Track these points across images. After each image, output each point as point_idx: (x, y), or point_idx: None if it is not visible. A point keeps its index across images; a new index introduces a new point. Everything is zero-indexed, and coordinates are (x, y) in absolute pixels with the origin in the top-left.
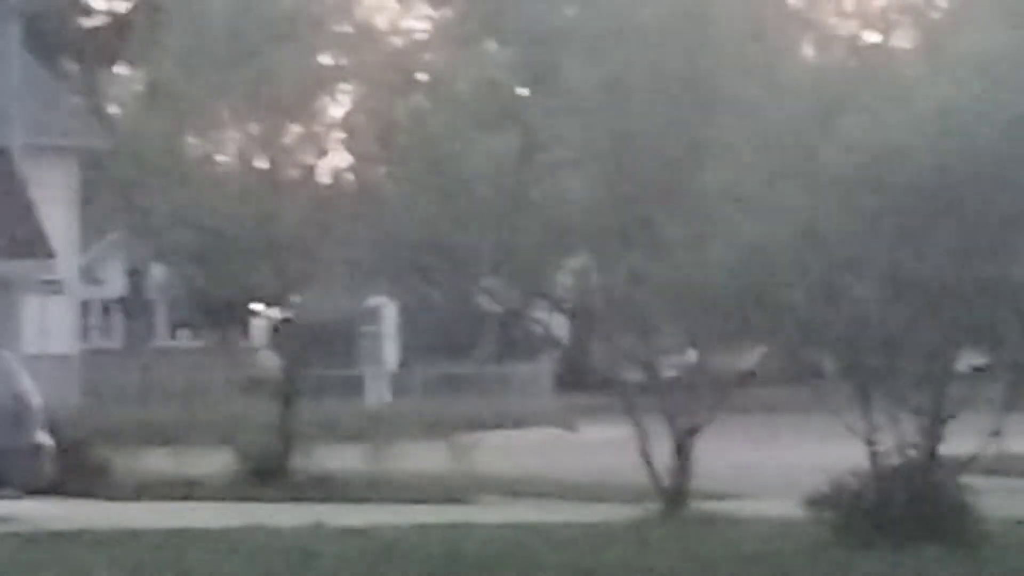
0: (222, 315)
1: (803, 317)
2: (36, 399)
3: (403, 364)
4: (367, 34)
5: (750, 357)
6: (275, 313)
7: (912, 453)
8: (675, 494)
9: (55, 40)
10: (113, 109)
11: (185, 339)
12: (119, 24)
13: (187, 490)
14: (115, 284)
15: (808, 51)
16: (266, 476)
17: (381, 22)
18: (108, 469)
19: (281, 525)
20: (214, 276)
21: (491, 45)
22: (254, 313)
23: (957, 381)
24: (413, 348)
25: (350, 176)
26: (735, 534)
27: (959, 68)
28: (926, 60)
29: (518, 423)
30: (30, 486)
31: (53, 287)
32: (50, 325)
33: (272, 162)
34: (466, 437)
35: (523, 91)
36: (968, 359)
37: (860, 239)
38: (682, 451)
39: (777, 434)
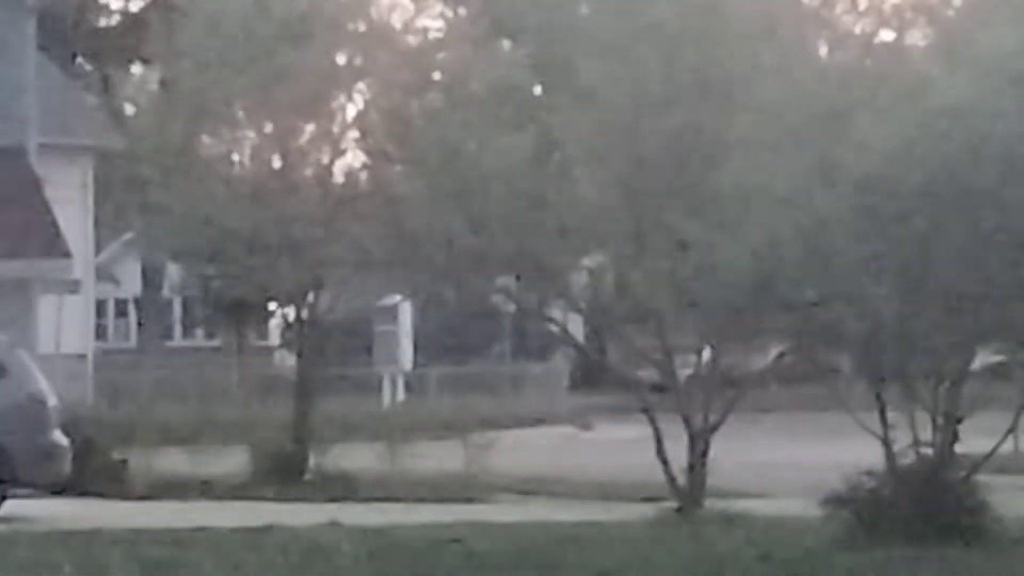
0: (237, 314)
1: (818, 316)
2: (51, 399)
3: (418, 363)
4: (382, 33)
5: (766, 356)
6: (290, 312)
7: (928, 452)
8: (691, 493)
9: (70, 39)
10: (128, 109)
11: (200, 338)
12: (134, 23)
13: (202, 489)
14: (130, 284)
15: (822, 50)
16: (281, 475)
17: (396, 21)
18: (123, 468)
19: (296, 524)
20: (229, 276)
21: (506, 44)
22: (269, 312)
23: (972, 380)
24: (428, 347)
25: (365, 176)
26: (750, 533)
27: (974, 67)
28: (941, 59)
29: (533, 422)
30: (45, 485)
31: (68, 286)
32: (65, 324)
33: (287, 162)
34: (481, 436)
35: (538, 90)
36: (982, 358)
37: (875, 238)
38: (698, 450)
39: (793, 433)
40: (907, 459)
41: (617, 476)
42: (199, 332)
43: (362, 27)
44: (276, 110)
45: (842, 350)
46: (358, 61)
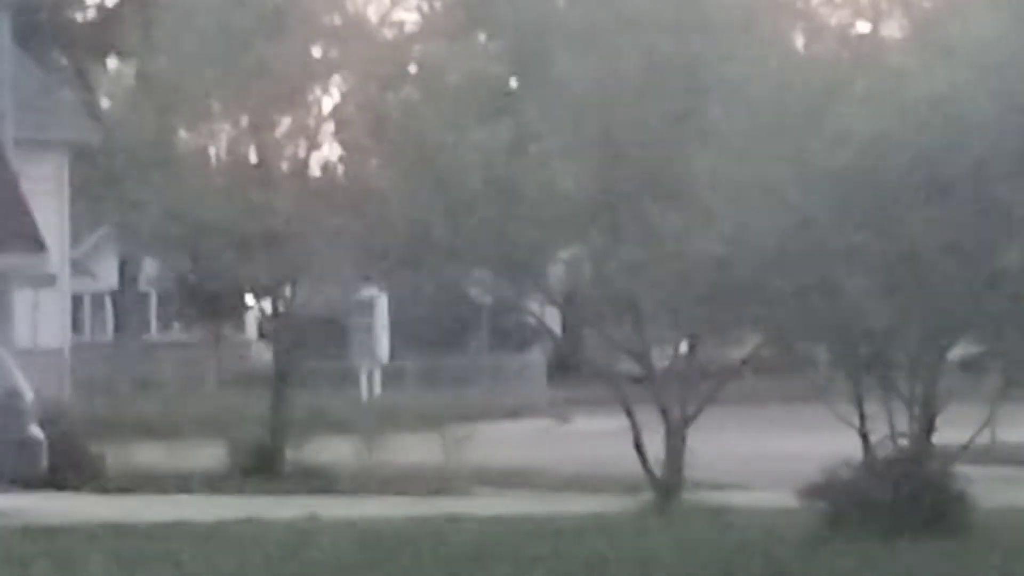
0: (214, 308)
1: (795, 307)
2: (28, 392)
3: (395, 356)
4: (358, 26)
5: (743, 347)
6: (267, 306)
7: (905, 443)
8: (668, 485)
9: (46, 34)
10: (104, 102)
11: (177, 332)
12: (109, 17)
13: (179, 483)
14: (107, 277)
15: (799, 41)
16: (259, 469)
17: (372, 14)
18: (100, 462)
19: (274, 518)
20: (206, 269)
21: (481, 37)
22: (246, 306)
23: (949, 371)
24: (405, 340)
25: (341, 168)
26: (728, 524)
27: (950, 57)
28: (917, 49)
29: (511, 414)
30: (22, 479)
31: (44, 280)
32: (41, 319)
33: (263, 155)
34: (459, 429)
35: (514, 83)
36: (958, 349)
37: (851, 229)
38: (675, 442)
39: (770, 424)
40: (884, 450)
41: (595, 468)
42: (176, 326)
43: (338, 20)
44: (252, 103)
45: (819, 341)
46: (334, 54)
